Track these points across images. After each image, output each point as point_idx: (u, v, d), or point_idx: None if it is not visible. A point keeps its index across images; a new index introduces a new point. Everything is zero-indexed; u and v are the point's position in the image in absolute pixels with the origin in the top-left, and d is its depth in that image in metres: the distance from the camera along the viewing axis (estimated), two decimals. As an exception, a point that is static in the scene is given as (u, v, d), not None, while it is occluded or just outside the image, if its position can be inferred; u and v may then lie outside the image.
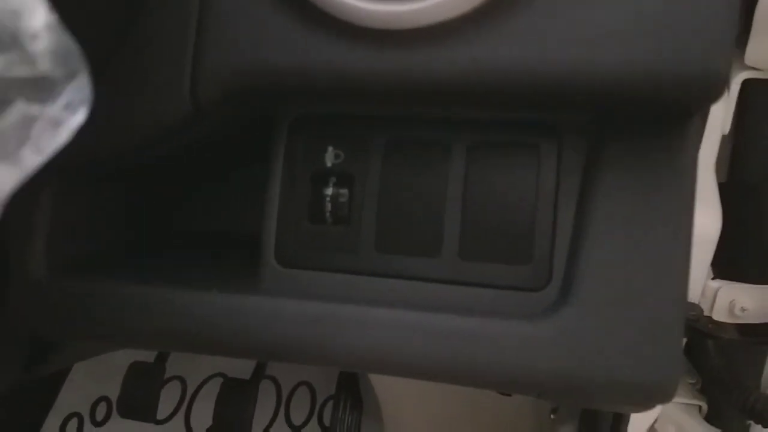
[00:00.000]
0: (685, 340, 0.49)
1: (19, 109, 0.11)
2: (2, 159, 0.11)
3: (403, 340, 0.26)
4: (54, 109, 0.11)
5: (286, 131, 0.28)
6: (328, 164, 0.28)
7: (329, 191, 0.28)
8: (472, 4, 0.21)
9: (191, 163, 0.37)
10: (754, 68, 0.41)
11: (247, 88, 0.25)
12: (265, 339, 0.27)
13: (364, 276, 0.27)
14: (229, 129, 0.31)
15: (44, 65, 0.11)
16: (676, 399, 0.54)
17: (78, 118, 0.12)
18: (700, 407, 0.54)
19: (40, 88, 0.11)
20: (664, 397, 0.23)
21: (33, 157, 0.12)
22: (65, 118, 0.12)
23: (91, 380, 0.99)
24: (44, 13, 0.11)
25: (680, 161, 0.24)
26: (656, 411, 0.51)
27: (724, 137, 0.48)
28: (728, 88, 0.42)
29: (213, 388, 0.98)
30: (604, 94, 0.22)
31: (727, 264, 0.47)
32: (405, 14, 0.22)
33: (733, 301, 0.45)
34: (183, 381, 1.02)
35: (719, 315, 0.45)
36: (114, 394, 0.95)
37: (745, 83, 0.43)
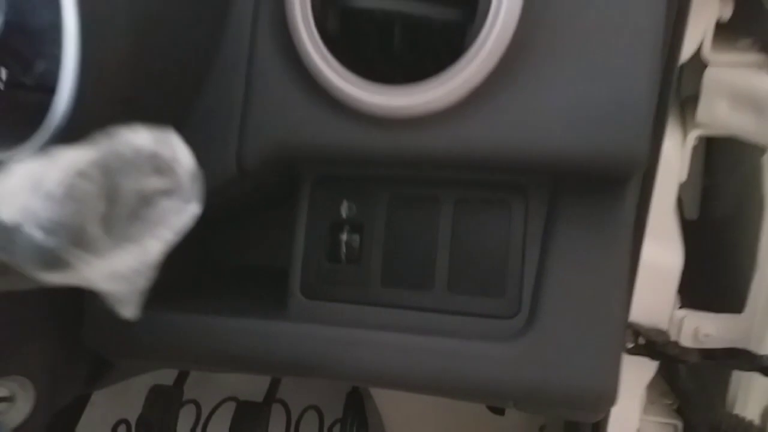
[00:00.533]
0: (658, 363, 0.55)
1: (162, 204, 0.18)
2: (154, 237, 0.18)
3: (402, 358, 0.32)
4: (182, 203, 0.18)
5: (309, 188, 0.35)
6: (344, 215, 0.35)
7: (344, 237, 0.34)
8: (448, 103, 0.28)
9: (230, 209, 0.44)
10: (705, 125, 0.47)
11: (280, 157, 0.32)
12: (292, 357, 0.33)
13: (372, 306, 0.34)
14: (264, 185, 0.38)
15: (182, 179, 0.18)
16: (654, 418, 0.60)
17: (195, 208, 0.19)
18: (675, 426, 0.59)
19: (175, 190, 0.18)
20: (607, 402, 0.29)
21: (170, 235, 0.18)
22: (187, 208, 0.18)
23: (112, 403, 1.03)
24: (182, 144, 0.18)
25: (620, 215, 0.31)
26: (633, 429, 0.56)
27: (692, 182, 0.55)
28: (684, 143, 0.48)
29: (225, 411, 1.02)
30: (554, 167, 0.29)
31: (695, 293, 0.53)
32: (401, 108, 0.29)
33: (698, 328, 0.51)
34: (197, 404, 1.06)
35: (685, 341, 0.51)
36: (134, 417, 1.00)
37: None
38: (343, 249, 0.34)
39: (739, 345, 0.51)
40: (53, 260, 0.16)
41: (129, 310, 0.20)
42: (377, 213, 0.34)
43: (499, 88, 0.28)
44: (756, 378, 0.53)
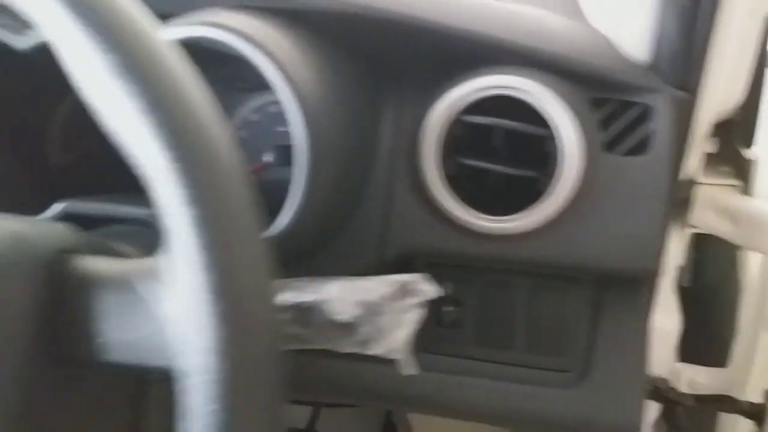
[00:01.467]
0: (661, 405, 0.68)
1: (410, 310, 0.32)
2: (404, 329, 0.32)
3: (490, 398, 0.46)
4: (417, 309, 0.33)
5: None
6: (444, 293, 0.49)
7: (447, 309, 0.49)
8: (529, 228, 0.43)
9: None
10: (697, 226, 0.62)
11: (407, 256, 0.47)
12: (412, 395, 0.47)
13: (469, 359, 0.48)
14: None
15: (424, 298, 0.33)
16: (657, 450, 0.73)
17: (422, 310, 0.33)
18: (674, 458, 0.72)
19: (419, 304, 0.33)
20: (634, 435, 0.44)
21: (413, 326, 0.33)
22: (419, 311, 0.33)
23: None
24: (428, 281, 0.33)
25: (641, 296, 0.46)
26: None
27: (685, 255, 0.70)
28: (681, 238, 0.64)
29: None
30: (598, 273, 0.44)
31: (690, 350, 0.67)
32: (499, 229, 0.44)
33: (692, 378, 0.65)
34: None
35: (682, 388, 0.65)
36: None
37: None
38: (446, 317, 0.49)
39: (725, 392, 0.66)
40: (364, 344, 0.30)
41: (408, 369, 0.34)
42: (471, 292, 0.49)
43: (564, 222, 0.43)
44: (739, 419, 0.67)
